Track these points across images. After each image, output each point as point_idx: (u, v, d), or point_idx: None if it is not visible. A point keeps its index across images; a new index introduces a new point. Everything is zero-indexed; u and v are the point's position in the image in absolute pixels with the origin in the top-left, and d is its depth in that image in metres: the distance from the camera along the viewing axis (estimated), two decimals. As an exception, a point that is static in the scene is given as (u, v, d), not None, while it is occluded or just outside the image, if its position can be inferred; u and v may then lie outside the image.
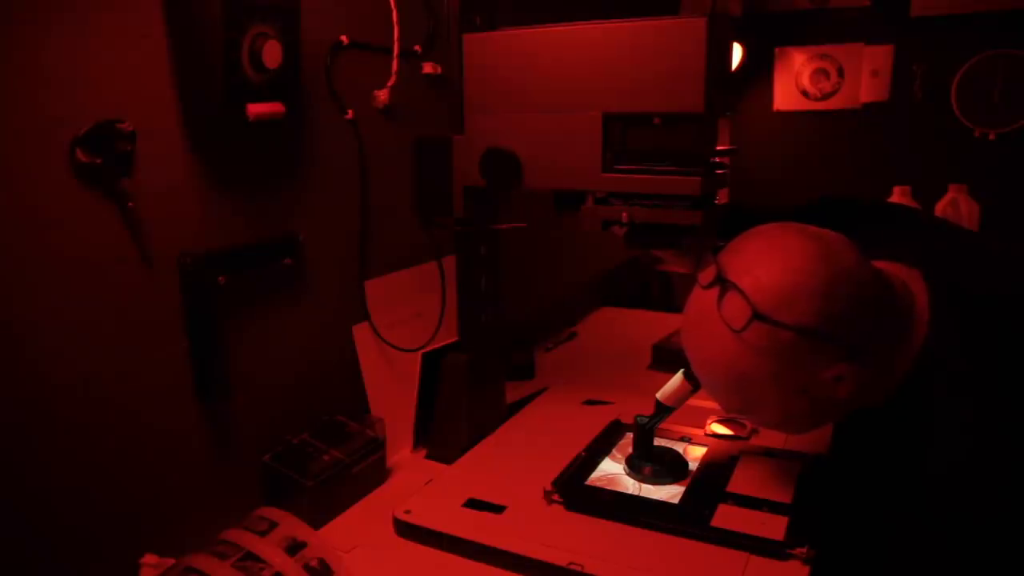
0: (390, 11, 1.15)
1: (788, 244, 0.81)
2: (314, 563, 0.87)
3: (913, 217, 1.23)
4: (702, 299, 0.85)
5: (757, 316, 0.78)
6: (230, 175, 0.96)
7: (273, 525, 0.90)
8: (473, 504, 1.00)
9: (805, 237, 0.81)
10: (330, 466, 1.03)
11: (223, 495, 0.98)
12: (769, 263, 0.80)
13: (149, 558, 0.86)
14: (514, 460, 1.13)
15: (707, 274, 0.84)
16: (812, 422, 0.90)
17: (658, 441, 1.10)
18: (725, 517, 0.93)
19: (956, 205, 2.68)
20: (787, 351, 0.79)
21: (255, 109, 0.90)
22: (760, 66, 2.99)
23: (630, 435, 1.12)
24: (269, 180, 1.02)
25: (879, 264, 0.86)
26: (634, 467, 1.06)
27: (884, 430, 0.88)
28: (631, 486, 1.03)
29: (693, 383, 0.99)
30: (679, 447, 1.12)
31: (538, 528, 0.94)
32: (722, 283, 0.82)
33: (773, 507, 0.95)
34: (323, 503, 1.01)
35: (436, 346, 1.23)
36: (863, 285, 0.81)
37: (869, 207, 1.13)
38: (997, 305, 0.82)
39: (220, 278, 0.92)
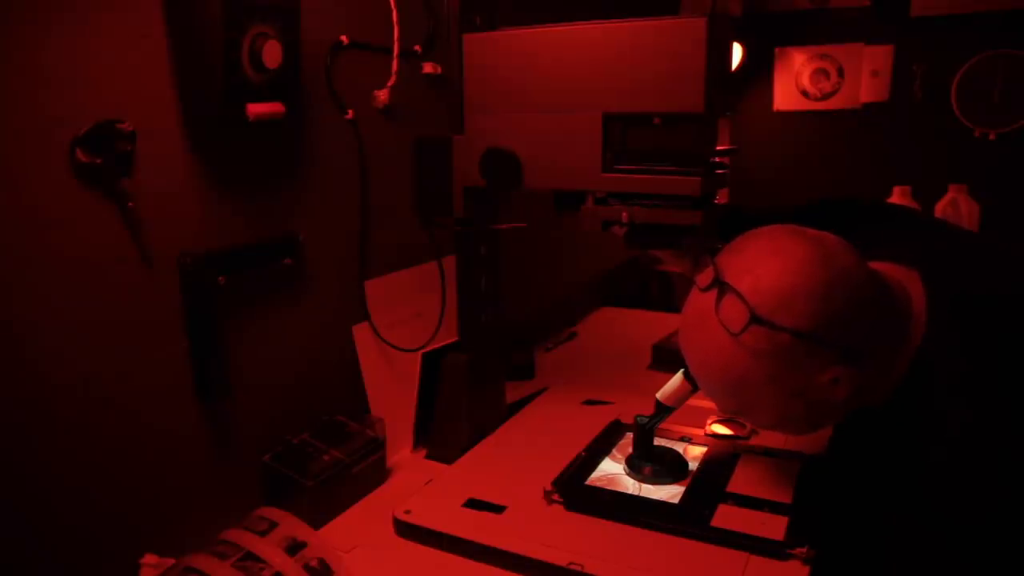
0: (390, 11, 1.15)
1: (786, 247, 0.81)
2: (314, 563, 0.87)
3: (912, 217, 1.23)
4: (700, 301, 0.85)
5: (755, 319, 0.79)
6: (230, 175, 0.96)
7: (273, 525, 0.90)
8: (473, 504, 1.00)
9: (803, 240, 0.81)
10: (330, 466, 1.03)
11: (223, 495, 0.98)
12: (767, 266, 0.80)
13: (149, 558, 0.86)
14: (514, 460, 1.13)
15: (705, 276, 0.84)
16: (809, 424, 0.90)
17: (658, 441, 1.10)
18: (725, 517, 0.93)
19: (956, 205, 2.68)
20: (784, 354, 0.79)
21: (255, 109, 0.90)
22: (760, 66, 2.99)
23: (630, 435, 1.12)
24: (269, 180, 1.02)
25: (877, 265, 0.86)
26: (634, 467, 1.06)
27: (884, 430, 0.88)
28: (631, 486, 1.03)
29: (693, 383, 0.99)
30: (679, 447, 1.12)
31: (538, 528, 0.94)
32: (720, 285, 0.82)
33: (773, 507, 0.95)
34: (323, 503, 1.01)
35: (436, 346, 1.23)
36: (861, 288, 0.81)
37: (868, 207, 1.13)
38: (996, 305, 0.82)
39: (220, 278, 0.92)
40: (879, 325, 0.81)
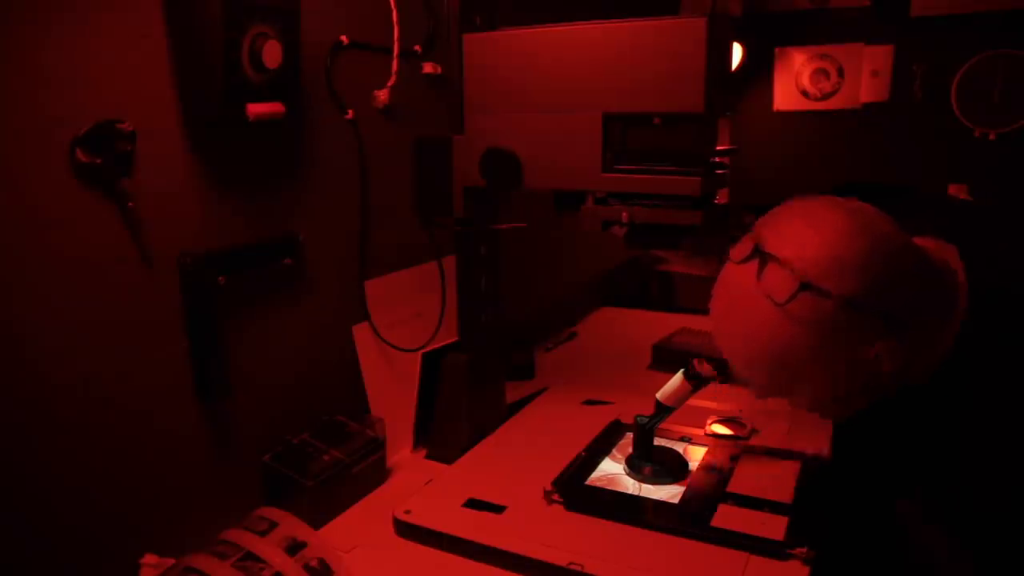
0: (390, 11, 1.15)
1: (826, 216, 0.80)
2: (314, 563, 0.87)
3: (937, 197, 1.22)
4: (737, 275, 0.83)
5: (803, 286, 0.77)
6: (230, 175, 0.96)
7: (273, 525, 0.90)
8: (473, 504, 1.00)
9: (842, 210, 0.81)
10: (330, 466, 1.03)
11: (223, 495, 0.98)
12: (810, 235, 0.79)
13: (149, 558, 0.86)
14: (514, 460, 1.13)
15: (741, 249, 0.83)
16: (850, 400, 0.87)
17: (658, 441, 1.10)
18: (725, 517, 0.93)
19: (956, 205, 2.68)
20: (830, 323, 0.78)
21: (255, 109, 0.90)
22: (760, 66, 2.99)
23: (630, 435, 1.12)
24: (269, 180, 1.02)
25: (917, 240, 0.85)
26: (634, 467, 1.06)
27: (886, 429, 0.88)
28: (631, 486, 1.03)
29: (693, 383, 0.99)
30: (679, 447, 1.12)
31: (538, 528, 0.94)
32: (761, 256, 0.81)
33: (773, 507, 0.95)
34: (323, 503, 1.01)
35: (436, 346, 1.23)
36: (903, 256, 0.80)
37: (890, 189, 1.13)
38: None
39: (220, 278, 0.92)
40: (921, 295, 0.80)
